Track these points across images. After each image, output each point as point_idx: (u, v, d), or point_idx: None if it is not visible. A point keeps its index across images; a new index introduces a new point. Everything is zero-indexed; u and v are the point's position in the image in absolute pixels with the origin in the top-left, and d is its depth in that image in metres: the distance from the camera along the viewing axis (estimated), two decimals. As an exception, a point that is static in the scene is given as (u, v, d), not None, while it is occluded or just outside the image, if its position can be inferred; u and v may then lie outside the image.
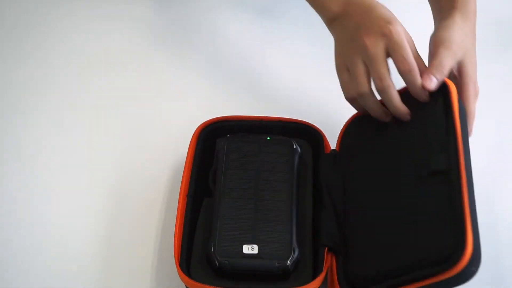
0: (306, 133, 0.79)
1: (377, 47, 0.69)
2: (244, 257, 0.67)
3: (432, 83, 0.68)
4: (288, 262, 0.67)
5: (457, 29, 0.72)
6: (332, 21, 0.75)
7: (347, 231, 0.70)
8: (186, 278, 0.66)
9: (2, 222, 0.76)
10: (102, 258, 0.73)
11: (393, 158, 0.70)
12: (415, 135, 0.69)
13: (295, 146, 0.76)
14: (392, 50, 0.69)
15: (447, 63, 0.70)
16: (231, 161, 0.74)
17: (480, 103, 0.74)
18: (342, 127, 0.78)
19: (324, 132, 0.78)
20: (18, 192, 0.79)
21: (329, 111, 0.86)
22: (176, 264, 0.67)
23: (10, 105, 0.88)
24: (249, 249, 0.68)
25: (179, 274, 0.66)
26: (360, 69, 0.70)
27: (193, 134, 0.77)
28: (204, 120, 0.79)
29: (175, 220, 0.70)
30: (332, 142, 0.78)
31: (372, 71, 0.69)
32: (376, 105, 0.72)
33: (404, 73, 0.69)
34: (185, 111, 0.87)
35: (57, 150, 0.83)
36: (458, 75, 0.72)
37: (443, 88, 0.69)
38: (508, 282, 0.72)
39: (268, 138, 0.77)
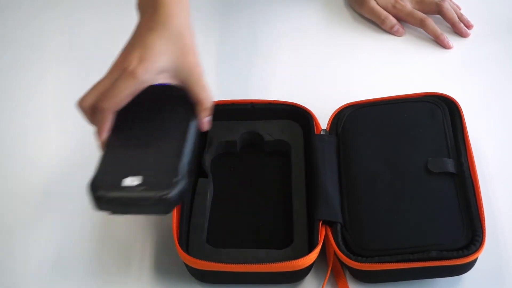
0: (297, 114, 0.80)
1: None
2: (123, 189, 0.61)
3: None
4: (170, 192, 0.61)
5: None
6: None
7: (348, 206, 0.72)
8: (182, 252, 0.67)
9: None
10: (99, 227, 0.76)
11: (399, 147, 0.75)
12: (422, 133, 0.76)
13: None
14: None
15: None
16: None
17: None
18: (330, 108, 0.80)
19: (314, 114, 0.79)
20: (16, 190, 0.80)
21: (319, 94, 0.88)
22: (174, 237, 0.68)
23: (7, 102, 0.89)
24: (131, 181, 0.62)
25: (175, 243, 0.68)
26: None
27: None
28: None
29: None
30: (322, 123, 0.79)
31: None
32: None
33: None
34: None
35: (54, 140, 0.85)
36: None
37: (449, 101, 0.78)
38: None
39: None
